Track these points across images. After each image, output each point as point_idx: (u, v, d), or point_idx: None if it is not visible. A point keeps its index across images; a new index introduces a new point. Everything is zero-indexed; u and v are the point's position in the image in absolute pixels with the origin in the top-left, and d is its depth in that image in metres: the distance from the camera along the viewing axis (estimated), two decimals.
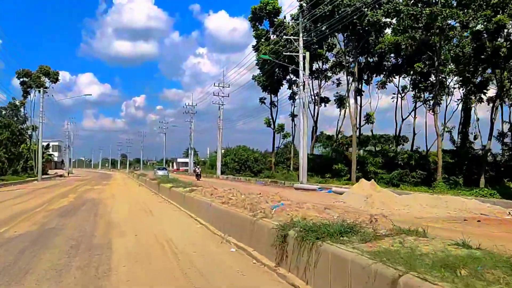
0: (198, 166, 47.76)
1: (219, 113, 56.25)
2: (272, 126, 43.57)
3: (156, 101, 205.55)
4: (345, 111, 37.89)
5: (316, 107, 43.25)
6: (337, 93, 40.35)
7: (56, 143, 80.00)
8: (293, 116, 43.76)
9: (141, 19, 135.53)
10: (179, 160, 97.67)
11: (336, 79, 40.74)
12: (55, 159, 79.72)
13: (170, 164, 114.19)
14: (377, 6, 28.27)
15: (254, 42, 41.71)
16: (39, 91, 45.34)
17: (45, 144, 64.60)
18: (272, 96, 43.61)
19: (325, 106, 42.29)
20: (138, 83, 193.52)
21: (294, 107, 42.23)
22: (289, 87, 42.97)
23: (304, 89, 30.82)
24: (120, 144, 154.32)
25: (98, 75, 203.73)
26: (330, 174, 35.47)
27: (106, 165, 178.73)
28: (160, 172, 44.56)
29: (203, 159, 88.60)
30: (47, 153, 64.53)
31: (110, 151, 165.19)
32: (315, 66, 40.95)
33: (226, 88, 55.24)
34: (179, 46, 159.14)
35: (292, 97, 42.32)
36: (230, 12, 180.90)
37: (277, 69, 41.23)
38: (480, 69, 29.01)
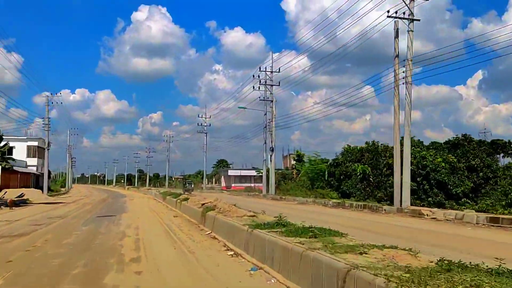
0: None
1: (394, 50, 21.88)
2: None
3: (172, 117, 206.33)
4: None
5: None
6: None
7: (35, 143, 46.90)
8: None
9: (158, 36, 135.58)
10: (231, 172, 63.01)
11: None
12: (33, 169, 46.44)
13: (212, 179, 79.96)
14: None
15: None
16: None
17: None
18: None
19: None
20: (155, 99, 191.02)
21: None
22: None
23: None
24: (137, 155, 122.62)
25: (116, 92, 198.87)
26: None
27: (122, 181, 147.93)
28: None
29: (280, 170, 54.01)
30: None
31: (126, 165, 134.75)
32: None
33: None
34: (195, 62, 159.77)
35: None
36: (246, 28, 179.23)
37: None
38: None
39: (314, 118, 40.20)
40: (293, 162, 53.89)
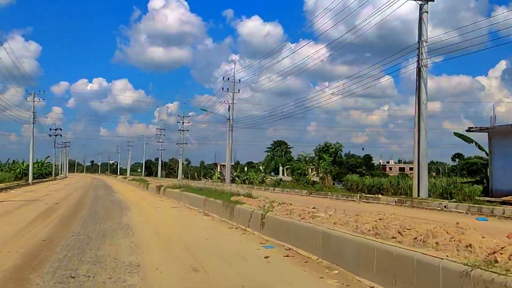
0: None
1: None
2: None
3: (189, 107, 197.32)
4: None
5: None
6: None
7: None
8: None
9: (175, 24, 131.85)
10: None
11: None
12: None
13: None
14: None
15: None
16: None
17: None
18: None
19: None
20: (171, 89, 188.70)
21: None
22: None
23: None
24: (162, 133, 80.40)
25: (133, 81, 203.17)
26: None
27: (139, 170, 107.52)
28: None
29: None
30: None
31: (144, 148, 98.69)
32: None
33: None
34: (212, 52, 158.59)
35: None
36: (264, 17, 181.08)
37: None
38: None
39: None
40: None
